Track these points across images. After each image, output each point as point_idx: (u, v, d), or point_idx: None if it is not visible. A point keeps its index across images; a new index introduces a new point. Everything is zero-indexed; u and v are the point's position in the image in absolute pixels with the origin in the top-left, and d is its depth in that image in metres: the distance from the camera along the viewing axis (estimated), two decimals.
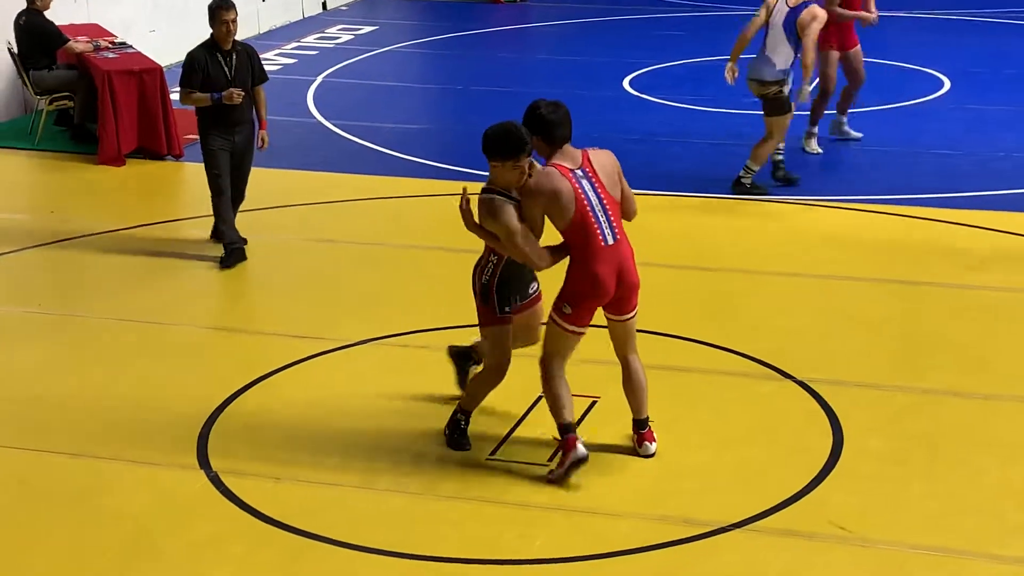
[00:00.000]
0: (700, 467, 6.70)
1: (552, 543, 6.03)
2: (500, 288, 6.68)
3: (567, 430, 6.55)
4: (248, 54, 9.76)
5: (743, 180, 11.08)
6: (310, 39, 18.27)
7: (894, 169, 11.97)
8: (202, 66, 9.48)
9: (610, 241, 6.42)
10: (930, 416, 7.20)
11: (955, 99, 14.42)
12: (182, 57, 9.74)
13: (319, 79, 15.86)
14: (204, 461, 6.79)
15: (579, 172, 6.43)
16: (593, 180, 6.43)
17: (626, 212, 6.62)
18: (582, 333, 6.63)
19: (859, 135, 12.80)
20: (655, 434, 6.78)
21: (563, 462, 6.49)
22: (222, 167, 9.66)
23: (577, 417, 7.08)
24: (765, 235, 10.27)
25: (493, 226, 6.44)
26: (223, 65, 9.55)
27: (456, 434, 6.89)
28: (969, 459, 6.73)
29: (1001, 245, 9.86)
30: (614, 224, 6.45)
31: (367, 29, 18.95)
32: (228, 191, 9.73)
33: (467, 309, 8.68)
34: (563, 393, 6.59)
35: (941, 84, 15.05)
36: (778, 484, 6.47)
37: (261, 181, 11.79)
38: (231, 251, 9.65)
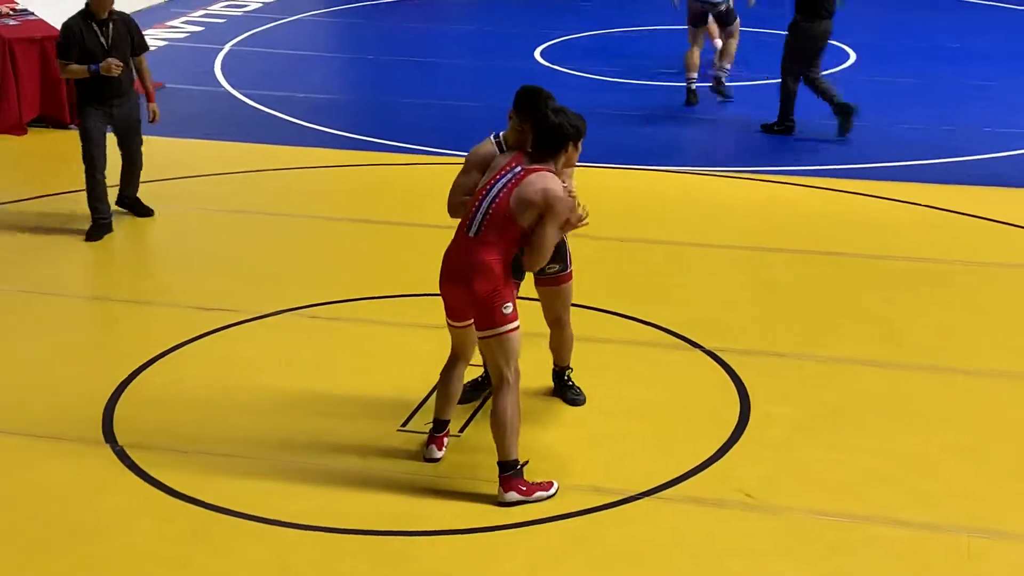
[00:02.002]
0: (610, 436, 6.74)
1: (464, 513, 6.04)
2: None
3: (439, 427, 6.49)
4: (126, 23, 9.47)
5: (720, 77, 13.07)
6: (217, 7, 18.03)
7: (802, 142, 12.08)
8: (78, 37, 9.21)
9: (471, 232, 6.11)
10: (837, 385, 7.29)
11: (861, 71, 14.59)
12: None
13: (227, 47, 15.67)
14: (110, 435, 6.70)
15: (518, 168, 6.12)
16: (509, 185, 6.08)
17: (528, 256, 6.14)
18: (452, 326, 6.34)
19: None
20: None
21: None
22: (95, 141, 9.40)
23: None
24: (678, 207, 10.33)
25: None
26: (99, 35, 9.27)
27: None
28: (874, 427, 6.83)
29: (908, 215, 10.01)
30: (484, 226, 6.07)
31: None
32: (101, 165, 9.46)
33: (376, 279, 8.67)
34: (443, 389, 6.48)
35: (847, 56, 15.21)
36: (686, 453, 6.52)
37: (168, 151, 11.66)
38: (98, 224, 9.46)
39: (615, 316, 8.15)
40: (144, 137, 9.87)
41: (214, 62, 14.97)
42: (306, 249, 9.37)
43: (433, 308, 8.15)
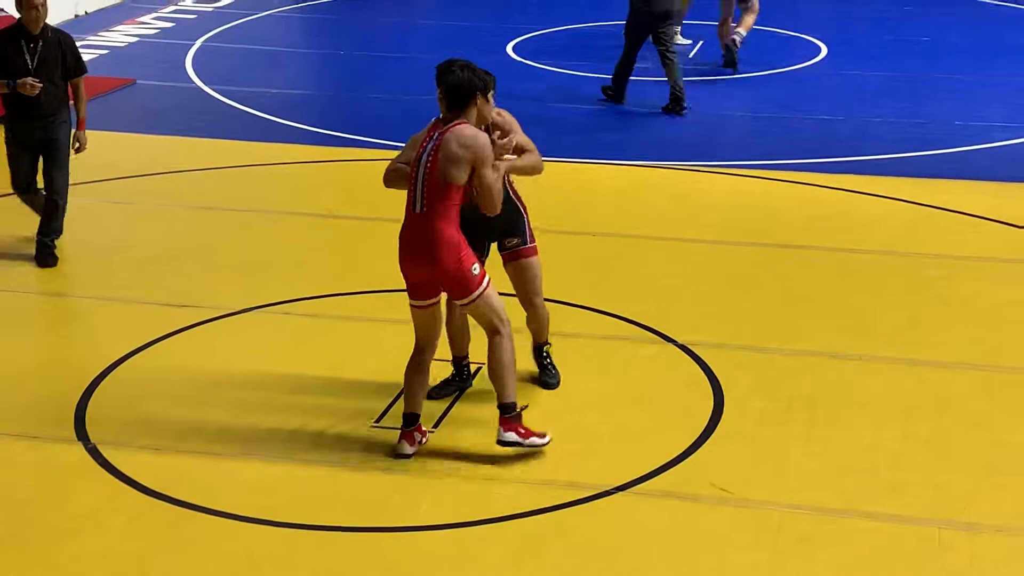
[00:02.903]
0: (583, 431, 6.75)
1: (437, 509, 6.04)
2: None
3: (409, 422, 6.46)
4: (61, 42, 8.85)
5: (734, 48, 13.86)
6: (188, 2, 17.97)
7: (774, 135, 12.13)
8: (1, 52, 8.68)
9: (416, 209, 6.30)
10: (809, 377, 7.32)
11: (833, 65, 14.64)
12: None
13: (198, 43, 15.62)
14: (82, 432, 6.67)
15: (436, 133, 6.34)
16: (433, 152, 6.27)
17: (481, 205, 6.38)
18: (416, 307, 6.47)
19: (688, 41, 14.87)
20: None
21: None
22: (17, 164, 8.92)
23: (462, 385, 7.11)
24: (648, 200, 10.35)
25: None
26: (25, 52, 8.69)
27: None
28: (845, 419, 6.86)
29: (879, 209, 10.05)
30: (426, 198, 6.26)
31: None
32: (27, 187, 9.00)
33: (349, 275, 8.66)
34: (410, 382, 6.52)
35: (819, 50, 15.26)
36: (660, 447, 6.54)
37: (138, 147, 11.62)
38: (40, 246, 8.93)
39: (588, 311, 8.16)
40: (115, 134, 9.77)
41: (185, 58, 14.92)
42: (278, 245, 9.35)
43: (406, 303, 8.15)
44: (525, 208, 6.96)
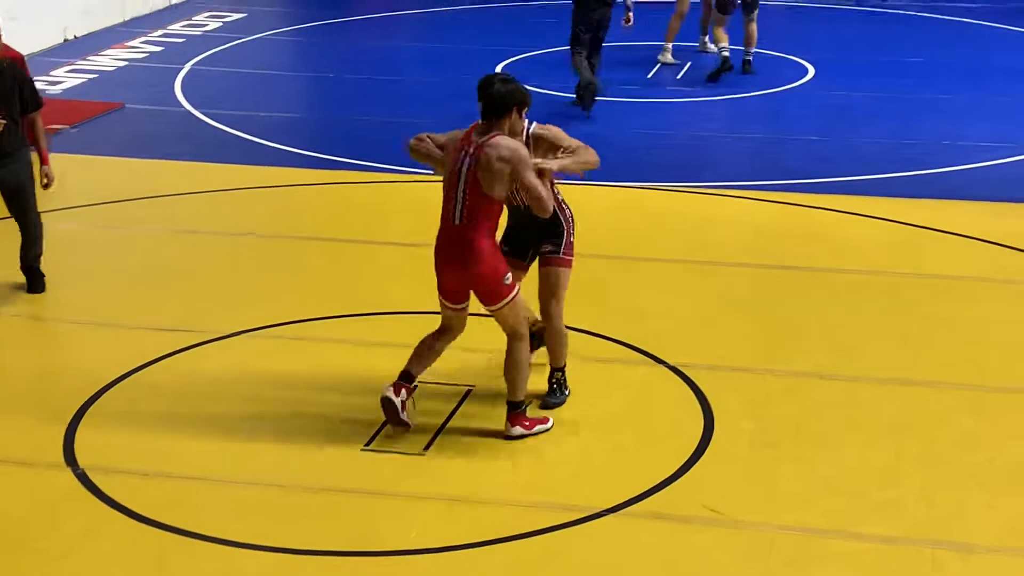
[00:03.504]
0: (575, 453, 6.74)
1: (428, 533, 6.02)
2: None
3: (405, 378, 6.82)
4: (15, 76, 8.42)
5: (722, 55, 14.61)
6: (176, 27, 17.98)
7: (762, 155, 12.16)
8: None
9: (455, 222, 6.62)
10: (798, 398, 7.33)
11: (820, 86, 14.69)
12: None
13: (187, 67, 15.62)
14: (71, 458, 6.65)
15: (470, 149, 6.57)
16: (471, 164, 6.54)
17: (533, 208, 6.67)
18: (450, 309, 6.84)
19: (716, 48, 15.08)
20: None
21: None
22: None
23: (452, 406, 7.11)
24: (636, 221, 10.36)
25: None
26: None
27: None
28: (835, 440, 6.86)
29: (867, 229, 10.07)
30: (465, 211, 6.58)
31: (235, 16, 18.71)
32: None
33: (339, 298, 8.65)
34: (419, 352, 6.89)
35: (806, 71, 15.31)
36: (652, 468, 6.54)
37: (128, 171, 11.62)
38: (28, 273, 8.76)
39: (579, 332, 8.14)
40: (104, 158, 9.73)
41: (174, 82, 14.92)
42: (267, 268, 9.34)
43: (396, 327, 8.17)
44: (569, 222, 7.07)
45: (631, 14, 14.38)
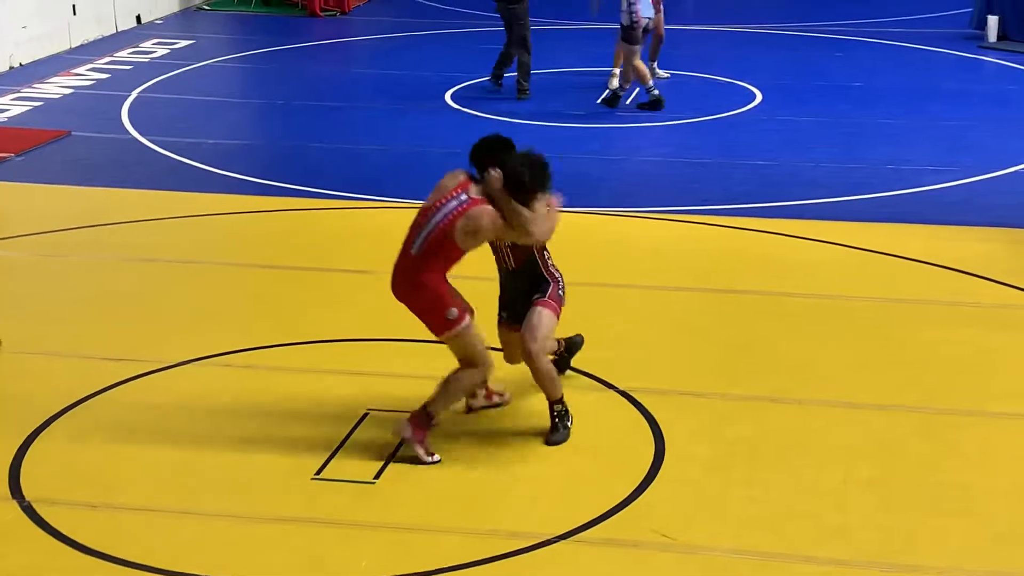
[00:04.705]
0: (525, 479, 6.73)
1: (378, 563, 5.99)
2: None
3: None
4: None
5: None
6: (124, 53, 17.89)
7: (710, 180, 12.22)
8: None
9: (412, 251, 6.74)
10: (750, 422, 7.35)
11: (767, 111, 14.80)
12: None
13: (134, 94, 15.54)
14: (16, 490, 6.57)
15: (463, 196, 6.67)
16: (455, 211, 6.62)
17: (535, 236, 6.81)
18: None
19: (667, 74, 15.90)
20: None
21: None
22: None
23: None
24: (584, 247, 10.37)
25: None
26: None
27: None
28: (788, 463, 6.89)
29: (816, 253, 10.13)
30: (426, 245, 6.68)
31: (183, 43, 18.65)
32: None
33: (289, 326, 8.61)
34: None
35: (753, 96, 15.42)
36: (602, 494, 6.53)
37: (74, 199, 11.52)
38: None
39: None
40: (50, 186, 9.67)
41: (121, 109, 14.83)
42: (217, 297, 9.28)
43: (347, 354, 8.14)
44: (558, 281, 7.20)
45: (597, 3, 15.21)
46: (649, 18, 14.34)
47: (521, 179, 6.66)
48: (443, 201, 6.66)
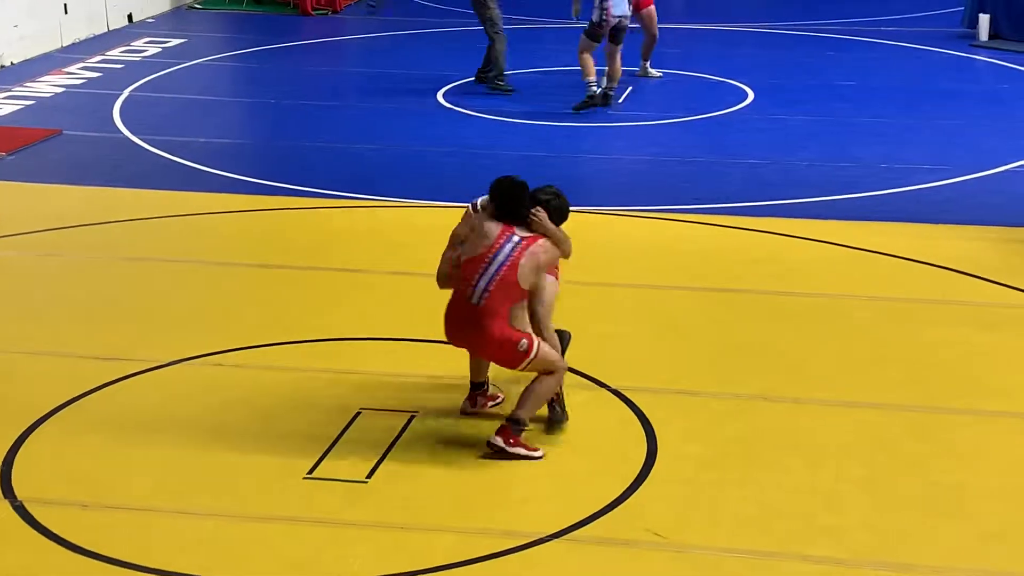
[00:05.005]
0: (518, 478, 6.72)
1: (372, 562, 5.98)
2: None
3: (475, 388, 7.21)
4: None
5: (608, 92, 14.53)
6: (115, 52, 17.86)
7: (703, 179, 12.21)
8: None
9: (473, 301, 6.71)
10: (742, 421, 7.35)
11: (759, 110, 14.79)
12: None
13: (126, 93, 15.51)
14: (8, 490, 6.55)
15: (516, 237, 6.78)
16: (517, 252, 6.74)
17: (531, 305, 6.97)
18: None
19: (660, 73, 16.03)
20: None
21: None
22: None
23: (396, 432, 7.07)
24: (577, 245, 10.34)
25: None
26: None
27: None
28: (780, 462, 6.89)
29: (809, 252, 10.13)
30: (488, 294, 6.70)
31: (175, 42, 18.61)
32: None
33: (280, 325, 8.59)
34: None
35: (745, 95, 15.42)
36: (595, 493, 6.52)
37: (66, 198, 11.49)
38: None
39: None
40: (42, 185, 9.67)
41: (112, 108, 14.80)
42: (208, 296, 9.27)
43: (338, 353, 8.13)
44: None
45: (577, 5, 15.27)
46: (619, 17, 14.19)
47: (565, 209, 7.04)
48: (496, 248, 6.73)
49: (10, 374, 8.08)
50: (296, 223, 10.97)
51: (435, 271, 7.20)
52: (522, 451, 6.79)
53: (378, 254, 9.99)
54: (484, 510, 6.42)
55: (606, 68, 14.67)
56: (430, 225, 10.05)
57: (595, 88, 14.37)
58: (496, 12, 15.07)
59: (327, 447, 6.94)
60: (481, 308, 6.71)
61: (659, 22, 15.85)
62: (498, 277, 6.70)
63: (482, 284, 6.72)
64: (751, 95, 15.41)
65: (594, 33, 14.23)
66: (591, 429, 7.24)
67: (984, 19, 18.29)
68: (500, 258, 6.72)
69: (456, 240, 7.06)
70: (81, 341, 8.44)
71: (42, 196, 11.58)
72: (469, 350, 7.01)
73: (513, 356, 6.79)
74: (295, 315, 8.83)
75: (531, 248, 6.77)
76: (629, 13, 14.36)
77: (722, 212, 11.08)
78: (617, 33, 14.30)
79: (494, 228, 6.80)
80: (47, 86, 15.85)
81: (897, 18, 20.29)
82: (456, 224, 7.14)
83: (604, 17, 14.06)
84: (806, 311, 8.95)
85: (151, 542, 6.13)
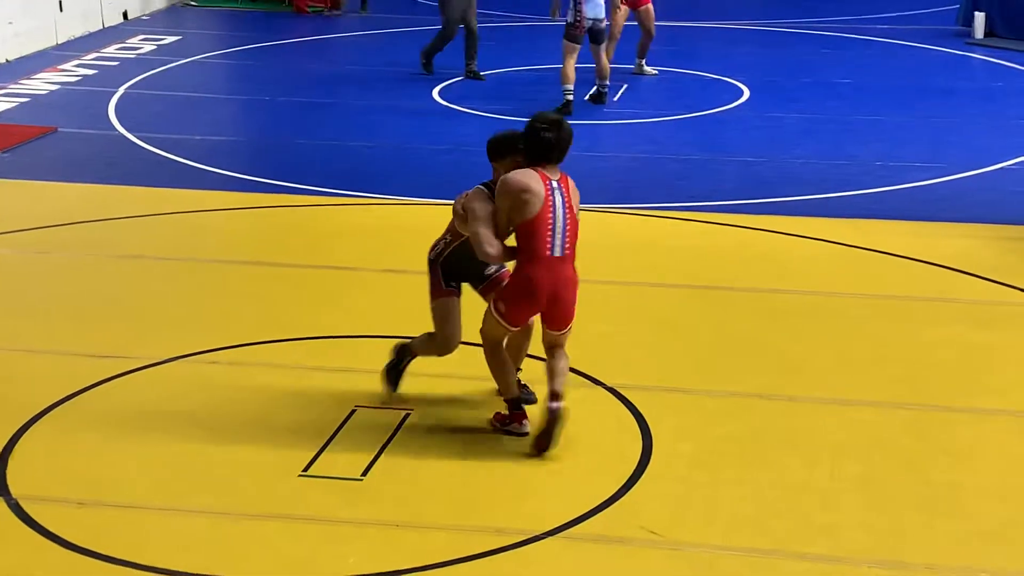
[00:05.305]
0: (512, 476, 6.72)
1: (367, 559, 5.98)
2: (446, 266, 7.17)
3: (514, 405, 7.03)
4: None
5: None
6: (110, 49, 17.84)
7: (698, 177, 12.22)
8: None
9: (557, 253, 6.79)
10: (738, 419, 7.35)
11: (755, 107, 14.80)
12: None
13: (121, 90, 15.50)
14: (3, 488, 6.54)
15: (554, 183, 6.80)
16: (564, 195, 6.82)
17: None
18: (515, 328, 6.98)
19: (655, 71, 16.24)
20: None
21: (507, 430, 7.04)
22: None
23: (391, 430, 7.06)
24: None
25: (467, 206, 6.89)
26: None
27: (393, 371, 7.32)
28: (775, 460, 6.89)
29: (804, 250, 10.14)
30: (567, 242, 6.83)
31: (170, 39, 18.60)
32: None
33: (276, 323, 8.59)
34: (508, 367, 7.04)
35: (741, 93, 15.43)
36: (590, 490, 6.52)
37: (61, 196, 11.49)
38: None
39: None
40: (37, 183, 9.66)
41: (108, 105, 14.79)
42: (203, 293, 9.26)
43: (334, 351, 8.12)
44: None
45: (556, 6, 15.73)
46: (592, 19, 14.12)
47: (545, 141, 6.89)
48: (550, 199, 6.75)
49: (5, 372, 8.07)
50: (291, 220, 10.97)
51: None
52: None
53: (373, 252, 9.98)
54: (479, 508, 6.41)
55: (594, 66, 14.66)
56: (425, 223, 10.03)
57: (571, 97, 14.26)
58: (455, 10, 15.59)
59: (322, 445, 6.93)
60: (565, 257, 6.86)
61: (655, 20, 15.86)
62: (568, 223, 6.83)
63: (558, 235, 6.81)
64: (746, 93, 15.42)
65: (571, 35, 14.22)
66: (585, 427, 7.22)
67: (979, 17, 18.32)
68: (559, 205, 6.79)
69: (486, 214, 6.81)
70: (76, 338, 8.43)
71: (37, 193, 11.57)
72: (552, 310, 6.88)
73: (573, 312, 6.97)
74: (290, 312, 8.83)
75: (572, 185, 6.91)
76: (603, 16, 14.28)
77: (717, 210, 11.09)
78: (596, 34, 14.29)
79: (534, 182, 6.77)
80: (42, 83, 15.84)
81: (892, 16, 20.31)
82: (477, 201, 6.88)
83: (578, 18, 14.10)
84: (801, 309, 8.95)
85: (146, 539, 6.13)
